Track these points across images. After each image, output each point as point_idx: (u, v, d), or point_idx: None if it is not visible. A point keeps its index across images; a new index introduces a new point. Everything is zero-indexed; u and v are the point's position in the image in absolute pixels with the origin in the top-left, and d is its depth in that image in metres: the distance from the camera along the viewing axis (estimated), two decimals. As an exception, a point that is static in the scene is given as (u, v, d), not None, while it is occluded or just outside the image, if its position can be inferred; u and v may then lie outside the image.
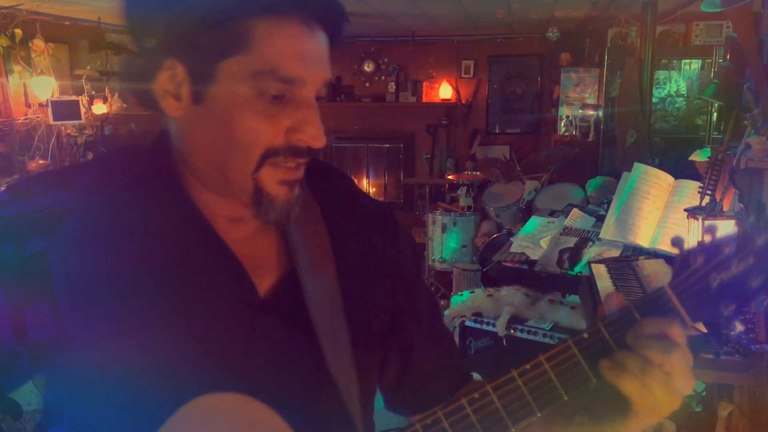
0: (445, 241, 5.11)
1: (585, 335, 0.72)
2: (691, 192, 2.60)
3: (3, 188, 0.78)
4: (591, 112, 6.43)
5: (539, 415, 0.71)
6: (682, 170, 2.88)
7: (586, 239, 3.00)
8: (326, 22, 0.75)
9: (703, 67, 5.87)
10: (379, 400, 0.92)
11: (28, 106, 5.24)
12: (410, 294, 0.91)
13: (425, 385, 0.92)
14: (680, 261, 0.72)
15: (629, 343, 0.71)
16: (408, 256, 0.92)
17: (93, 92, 5.62)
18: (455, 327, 2.86)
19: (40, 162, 5.17)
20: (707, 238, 0.72)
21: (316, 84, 0.75)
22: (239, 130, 0.73)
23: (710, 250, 0.71)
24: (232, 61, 0.71)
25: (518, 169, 5.84)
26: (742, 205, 2.14)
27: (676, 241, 0.74)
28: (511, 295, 2.88)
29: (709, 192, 2.12)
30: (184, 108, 0.75)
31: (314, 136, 0.75)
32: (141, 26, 0.75)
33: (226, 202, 0.80)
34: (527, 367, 0.72)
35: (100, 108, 5.61)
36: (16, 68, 5.04)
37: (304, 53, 0.72)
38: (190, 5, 0.70)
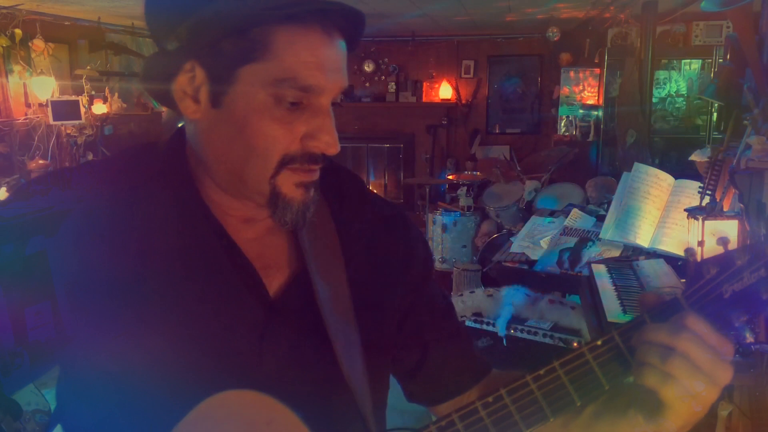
0: (445, 240, 5.11)
1: (599, 342, 0.73)
2: (691, 192, 2.60)
3: (3, 188, 0.78)
4: (591, 112, 6.43)
5: (552, 419, 0.72)
6: (682, 170, 2.88)
7: (586, 239, 3.00)
8: (346, 29, 0.75)
9: (703, 67, 5.87)
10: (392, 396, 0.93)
11: (28, 106, 5.24)
12: (423, 292, 0.92)
13: (442, 379, 0.93)
14: (693, 271, 0.73)
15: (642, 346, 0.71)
16: (419, 256, 0.92)
17: (93, 92, 5.62)
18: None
19: (40, 162, 5.17)
20: (718, 249, 0.74)
21: (334, 92, 0.75)
22: (256, 135, 0.73)
23: (722, 261, 0.72)
24: (252, 68, 0.71)
25: (518, 169, 5.84)
26: (742, 205, 2.14)
27: (689, 251, 0.75)
28: (511, 295, 2.88)
29: (709, 192, 2.12)
30: (202, 111, 0.75)
31: (329, 144, 0.75)
32: (163, 28, 0.75)
33: (239, 202, 0.80)
34: (541, 372, 0.73)
35: (100, 108, 5.61)
36: (16, 68, 5.05)
37: (323, 62, 0.73)
38: (213, 10, 0.70)
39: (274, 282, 0.81)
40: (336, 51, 0.74)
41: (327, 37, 0.73)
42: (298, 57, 0.71)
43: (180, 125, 0.83)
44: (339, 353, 0.79)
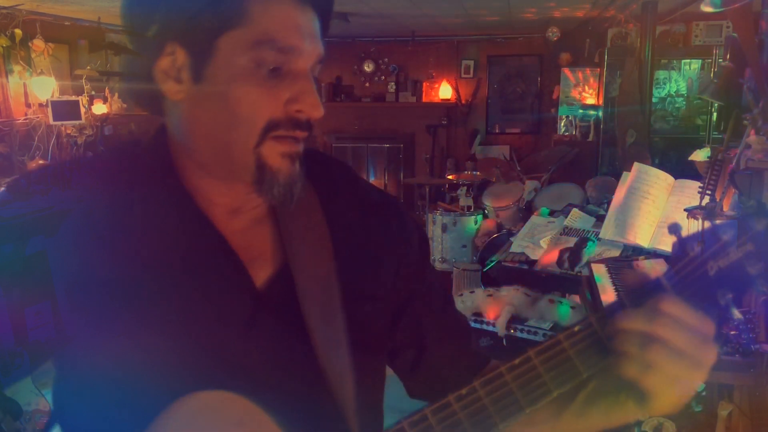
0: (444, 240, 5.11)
1: (576, 328, 0.72)
2: (691, 192, 2.60)
3: (3, 188, 0.78)
4: (591, 112, 6.43)
5: (527, 411, 0.71)
6: (682, 170, 2.88)
7: (586, 239, 3.00)
8: (317, 4, 0.77)
9: (703, 67, 5.87)
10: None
11: (28, 106, 5.24)
12: (419, 283, 0.91)
13: (441, 373, 0.91)
14: (677, 248, 0.71)
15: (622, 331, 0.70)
16: (414, 245, 0.91)
17: (93, 92, 5.62)
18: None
19: (40, 162, 5.17)
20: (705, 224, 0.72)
21: (312, 57, 0.76)
22: (240, 103, 0.74)
23: (708, 237, 0.71)
24: (231, 35, 0.72)
25: (518, 169, 5.84)
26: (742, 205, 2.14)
27: (673, 228, 0.73)
28: (511, 295, 2.88)
29: (709, 192, 2.11)
30: (186, 90, 0.76)
31: (312, 105, 0.75)
32: (142, 16, 0.76)
33: (226, 188, 0.80)
34: (515, 362, 0.71)
35: (100, 108, 5.61)
36: (16, 68, 5.05)
37: (300, 26, 0.74)
38: None
39: (261, 274, 0.81)
40: (310, 20, 0.76)
41: (300, 7, 0.74)
42: (275, 20, 0.72)
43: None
44: (319, 347, 0.79)
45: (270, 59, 0.73)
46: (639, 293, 0.71)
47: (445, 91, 7.17)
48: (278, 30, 0.72)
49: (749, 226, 0.69)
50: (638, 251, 2.73)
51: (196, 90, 0.75)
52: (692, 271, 0.70)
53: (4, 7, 4.73)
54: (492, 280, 3.51)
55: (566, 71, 6.64)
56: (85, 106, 5.51)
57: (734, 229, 0.70)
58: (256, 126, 0.74)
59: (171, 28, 0.73)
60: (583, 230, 3.18)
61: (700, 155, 2.53)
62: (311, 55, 0.76)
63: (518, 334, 2.71)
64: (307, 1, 0.75)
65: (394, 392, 0.95)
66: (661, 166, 2.97)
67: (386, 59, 7.36)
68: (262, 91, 0.73)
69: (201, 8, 0.72)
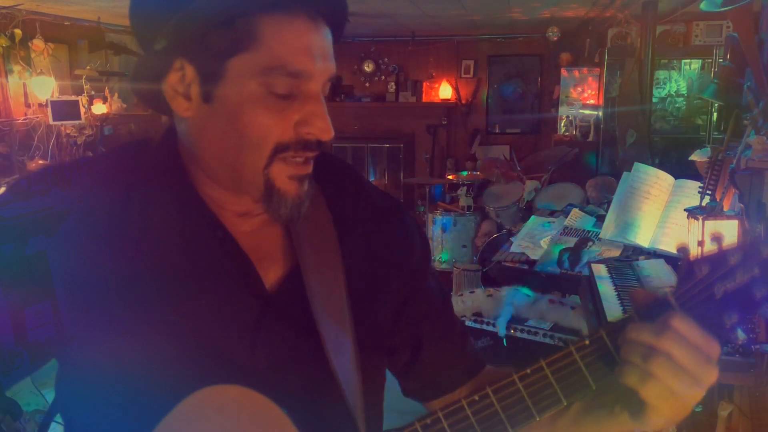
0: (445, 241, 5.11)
1: (586, 341, 0.73)
2: (691, 192, 2.60)
3: (3, 188, 0.78)
4: (591, 112, 6.43)
5: (538, 419, 0.72)
6: (682, 170, 2.88)
7: (586, 239, 3.00)
8: (330, 17, 0.76)
9: (703, 67, 5.87)
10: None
11: (28, 106, 5.24)
12: (419, 285, 0.92)
13: (436, 375, 0.92)
14: (685, 270, 0.72)
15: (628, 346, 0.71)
16: (416, 248, 0.92)
17: (93, 92, 5.62)
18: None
19: (40, 162, 5.17)
20: (713, 247, 0.72)
21: (323, 78, 0.76)
22: (250, 126, 0.73)
23: (715, 260, 0.71)
24: (241, 58, 0.72)
25: (518, 169, 5.83)
26: (742, 205, 2.14)
27: (682, 249, 0.74)
28: (511, 295, 2.88)
29: (709, 192, 2.11)
30: (195, 108, 0.75)
31: (322, 129, 0.75)
32: (149, 29, 0.75)
33: (235, 197, 0.80)
34: (528, 371, 0.72)
35: (99, 108, 5.61)
36: (16, 68, 5.04)
37: (311, 47, 0.73)
38: (197, 5, 0.70)
39: (270, 275, 0.81)
40: (322, 37, 0.75)
41: (312, 23, 0.73)
42: (286, 44, 0.72)
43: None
44: (328, 348, 0.79)
45: (281, 84, 0.72)
46: (647, 310, 0.72)
47: (445, 91, 7.17)
48: (289, 54, 0.72)
49: (756, 252, 0.70)
50: (638, 251, 2.73)
51: (205, 109, 0.75)
52: (699, 293, 0.71)
53: (4, 7, 4.73)
54: (492, 280, 3.51)
55: (566, 71, 6.63)
56: (84, 106, 5.50)
57: (741, 251, 0.71)
58: (265, 148, 0.74)
59: (180, 43, 0.73)
60: (583, 230, 3.19)
61: (699, 155, 2.53)
62: (323, 75, 0.75)
63: (518, 334, 2.71)
64: (320, 15, 0.74)
65: (394, 392, 0.95)
66: (661, 166, 2.97)
67: (386, 59, 7.35)
68: (272, 114, 0.73)
69: (211, 29, 0.71)
